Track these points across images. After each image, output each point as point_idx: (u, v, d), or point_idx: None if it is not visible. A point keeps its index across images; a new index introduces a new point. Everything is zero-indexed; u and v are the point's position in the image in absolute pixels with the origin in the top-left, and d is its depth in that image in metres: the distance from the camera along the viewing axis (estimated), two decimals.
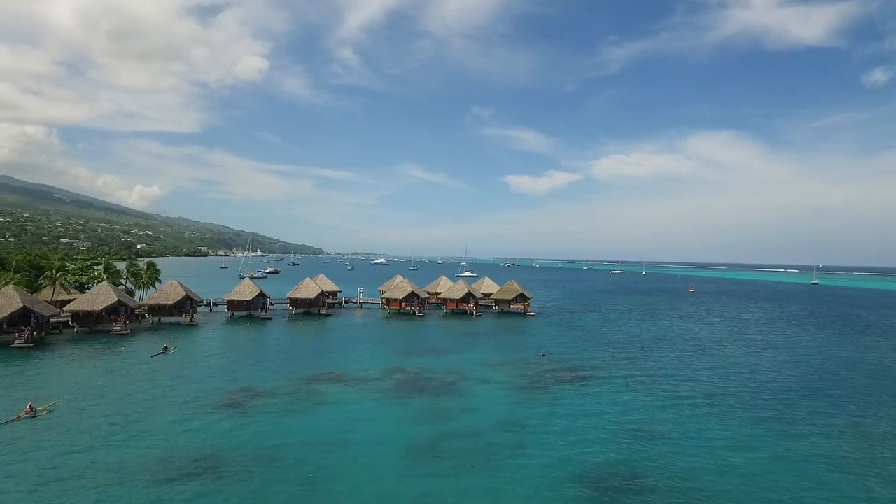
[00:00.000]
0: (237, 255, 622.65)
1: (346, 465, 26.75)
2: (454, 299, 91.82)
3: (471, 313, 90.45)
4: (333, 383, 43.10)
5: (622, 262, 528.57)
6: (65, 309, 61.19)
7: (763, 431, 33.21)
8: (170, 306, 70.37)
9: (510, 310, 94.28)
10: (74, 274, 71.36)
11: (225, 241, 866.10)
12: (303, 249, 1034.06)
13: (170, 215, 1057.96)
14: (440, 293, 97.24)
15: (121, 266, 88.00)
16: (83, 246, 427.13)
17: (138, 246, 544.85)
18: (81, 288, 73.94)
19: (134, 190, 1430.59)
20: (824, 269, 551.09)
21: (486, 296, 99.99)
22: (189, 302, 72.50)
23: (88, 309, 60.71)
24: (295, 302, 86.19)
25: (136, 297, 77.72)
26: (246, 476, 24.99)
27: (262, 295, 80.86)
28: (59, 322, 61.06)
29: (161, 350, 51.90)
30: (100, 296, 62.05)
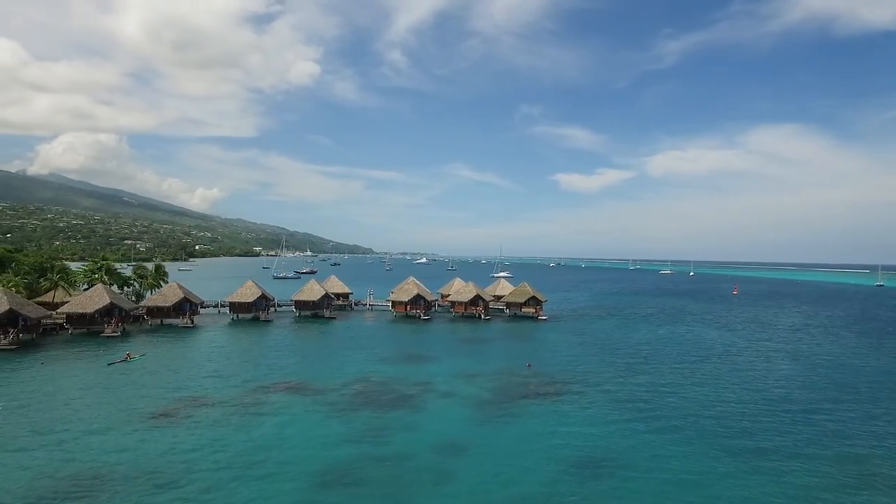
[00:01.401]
0: (286, 254, 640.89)
1: (234, 489, 24.55)
2: (462, 302, 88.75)
3: (479, 316, 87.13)
4: (286, 393, 41.22)
5: (673, 261, 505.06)
6: (59, 311, 62.61)
7: (734, 467, 28.62)
8: (168, 308, 70.94)
9: (522, 313, 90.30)
10: (77, 275, 73.03)
11: (279, 241, 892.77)
12: (353, 249, 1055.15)
13: (228, 217, 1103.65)
14: (450, 295, 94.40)
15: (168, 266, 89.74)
16: (142, 247, 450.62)
17: (196, 246, 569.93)
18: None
19: (196, 193, 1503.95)
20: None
21: (499, 298, 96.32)
22: (188, 304, 72.90)
23: (82, 311, 61.76)
24: (299, 304, 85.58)
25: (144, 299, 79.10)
26: (111, 496, 23.24)
27: (263, 297, 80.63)
28: (56, 324, 62.50)
29: (123, 357, 50.33)
30: (93, 298, 63.06)
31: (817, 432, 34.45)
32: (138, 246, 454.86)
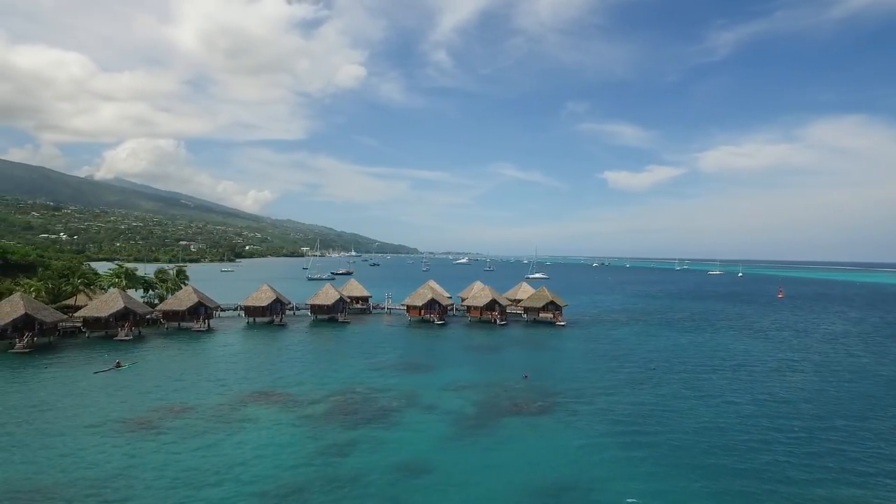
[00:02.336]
0: (332, 255, 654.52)
1: None
2: (477, 307, 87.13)
3: (495, 322, 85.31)
4: (264, 404, 40.90)
5: (722, 261, 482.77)
6: (76, 314, 65.22)
7: (706, 495, 26.22)
8: (182, 312, 72.79)
9: (540, 318, 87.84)
10: (103, 279, 75.95)
11: (326, 241, 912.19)
12: (398, 249, 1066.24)
13: (278, 217, 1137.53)
14: (467, 299, 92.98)
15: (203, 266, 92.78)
16: (194, 248, 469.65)
17: (246, 247, 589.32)
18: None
19: (248, 194, 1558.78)
20: None
21: (519, 303, 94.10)
22: (203, 308, 74.58)
23: (97, 315, 64.10)
24: (315, 308, 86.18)
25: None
26: None
27: (278, 301, 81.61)
28: (75, 327, 65.13)
29: (112, 365, 50.08)
30: (108, 302, 65.34)
31: (810, 460, 31.24)
32: (191, 247, 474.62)
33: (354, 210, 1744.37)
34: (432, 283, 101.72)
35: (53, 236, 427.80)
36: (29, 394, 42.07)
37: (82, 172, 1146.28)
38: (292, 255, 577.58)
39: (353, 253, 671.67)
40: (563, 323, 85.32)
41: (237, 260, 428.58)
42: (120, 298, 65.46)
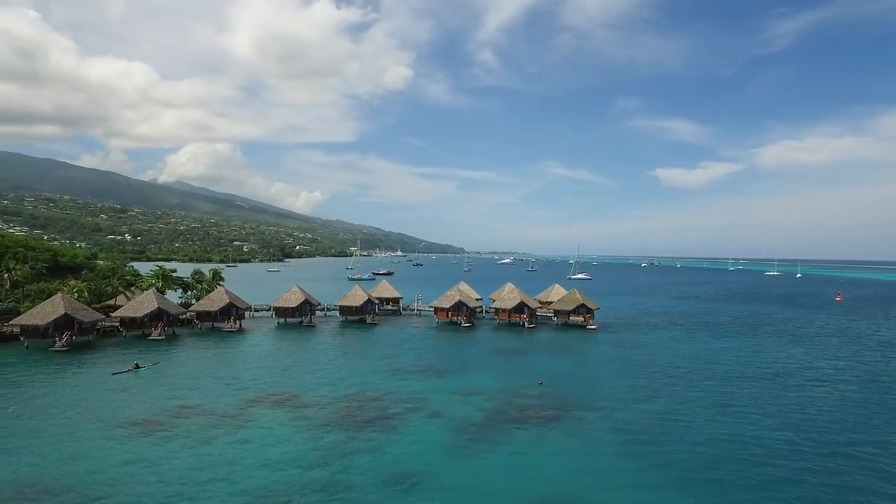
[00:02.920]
0: (378, 254, 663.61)
1: None
2: (506, 309, 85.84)
3: (523, 325, 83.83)
4: (272, 406, 41.40)
5: (781, 261, 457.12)
6: (113, 315, 68.42)
7: None
8: (214, 312, 75.16)
9: (571, 322, 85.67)
10: (145, 280, 79.39)
11: (374, 241, 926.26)
12: (445, 249, 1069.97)
13: (328, 218, 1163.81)
14: (495, 301, 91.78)
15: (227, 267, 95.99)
16: (246, 248, 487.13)
17: (296, 247, 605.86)
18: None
19: (300, 196, 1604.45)
20: None
21: (550, 305, 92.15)
22: (234, 308, 76.76)
23: (133, 315, 67.03)
24: (344, 309, 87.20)
25: None
26: None
27: (307, 302, 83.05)
28: (114, 326, 68.35)
29: (130, 367, 51.00)
30: (143, 303, 68.19)
31: (833, 482, 28.76)
32: (244, 247, 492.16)
33: (403, 210, 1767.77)
34: (462, 285, 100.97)
35: (119, 237, 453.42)
36: (51, 392, 44.05)
37: (147, 176, 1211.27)
38: (340, 255, 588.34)
39: (399, 253, 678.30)
40: (593, 326, 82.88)
41: (286, 260, 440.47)
42: (154, 299, 68.21)
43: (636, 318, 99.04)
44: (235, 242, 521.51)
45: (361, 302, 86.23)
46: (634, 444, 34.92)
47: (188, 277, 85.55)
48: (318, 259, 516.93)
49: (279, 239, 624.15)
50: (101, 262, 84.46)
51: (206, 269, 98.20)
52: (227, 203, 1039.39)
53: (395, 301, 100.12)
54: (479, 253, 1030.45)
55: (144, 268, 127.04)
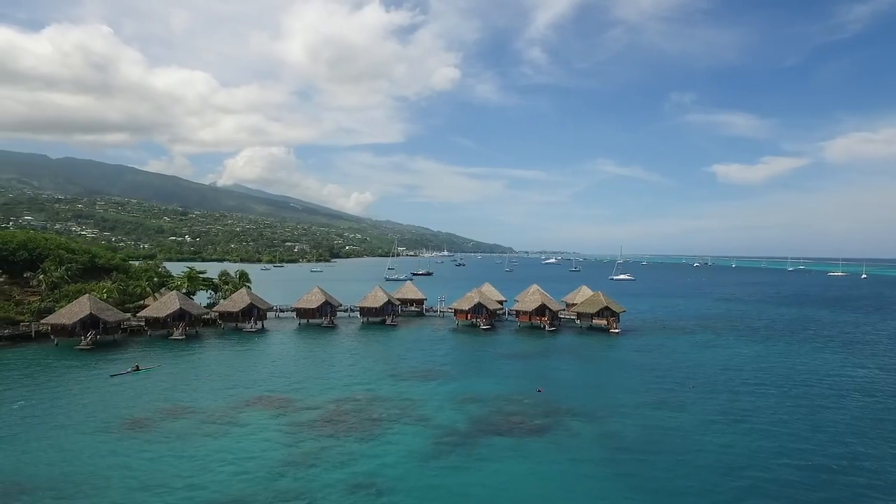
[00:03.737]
0: (425, 255, 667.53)
1: None
2: (526, 311, 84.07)
3: (543, 327, 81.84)
4: (262, 408, 41.74)
5: (846, 260, 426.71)
6: (138, 315, 71.49)
7: None
8: (235, 313, 77.31)
9: (594, 325, 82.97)
10: (175, 281, 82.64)
11: (423, 241, 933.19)
12: (493, 249, 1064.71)
13: (378, 219, 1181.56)
14: (518, 303, 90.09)
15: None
16: (296, 248, 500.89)
17: (345, 247, 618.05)
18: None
19: (351, 197, 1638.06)
20: None
21: (574, 307, 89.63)
22: (255, 309, 78.71)
23: (156, 315, 69.84)
24: (364, 311, 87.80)
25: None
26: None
27: (327, 303, 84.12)
28: (140, 326, 71.43)
29: (130, 368, 51.70)
30: (166, 303, 70.92)
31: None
32: (294, 248, 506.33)
33: (451, 210, 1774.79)
34: (487, 287, 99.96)
35: (179, 238, 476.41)
36: (53, 390, 45.76)
37: (207, 180, 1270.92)
38: (387, 255, 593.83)
39: (445, 253, 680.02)
40: (616, 330, 79.89)
41: (333, 260, 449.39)
42: (177, 300, 70.80)
43: (666, 322, 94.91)
44: (287, 243, 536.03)
45: (381, 303, 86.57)
46: (617, 456, 33.37)
47: (216, 279, 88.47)
48: (365, 259, 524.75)
49: (329, 239, 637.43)
50: (135, 264, 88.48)
51: (253, 269, 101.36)
52: (281, 204, 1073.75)
53: (419, 302, 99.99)
54: (527, 252, 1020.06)
55: (198, 268, 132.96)
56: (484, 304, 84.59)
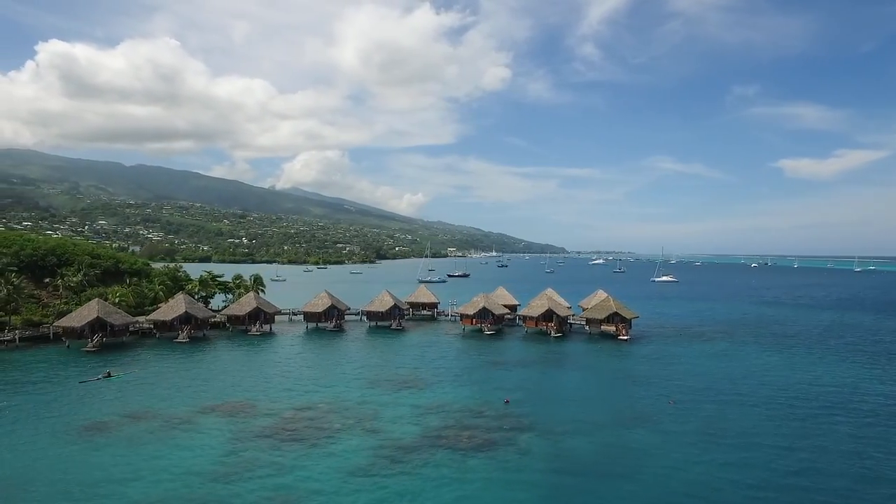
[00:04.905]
0: (473, 255, 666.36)
1: None
2: (533, 317, 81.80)
3: (549, 333, 79.40)
4: (220, 415, 41.98)
5: None
6: (147, 318, 74.58)
7: None
8: (242, 317, 79.35)
9: (603, 331, 79.73)
10: (192, 285, 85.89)
11: (473, 242, 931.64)
12: (544, 249, 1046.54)
13: (430, 219, 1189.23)
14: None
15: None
16: (346, 250, 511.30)
17: (396, 248, 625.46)
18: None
19: (403, 198, 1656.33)
20: None
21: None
22: (262, 313, 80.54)
23: (163, 318, 72.69)
24: (370, 315, 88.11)
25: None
26: None
27: (334, 307, 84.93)
28: (150, 328, 74.49)
29: (101, 375, 51.94)
30: (173, 307, 73.64)
31: None
32: (344, 249, 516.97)
33: (502, 210, 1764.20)
34: (500, 290, 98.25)
35: (237, 241, 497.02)
36: (26, 395, 46.99)
37: (266, 183, 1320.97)
38: (434, 255, 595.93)
39: (494, 253, 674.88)
40: (625, 337, 76.36)
41: (377, 261, 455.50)
42: (183, 303, 73.42)
43: (687, 328, 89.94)
44: (338, 244, 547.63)
45: (388, 307, 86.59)
46: (558, 480, 31.71)
47: (230, 282, 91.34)
48: (412, 260, 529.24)
49: (379, 241, 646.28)
50: (156, 268, 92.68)
51: (297, 270, 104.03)
52: (336, 206, 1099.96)
53: (432, 306, 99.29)
54: (578, 253, 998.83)
55: (250, 270, 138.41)
56: (489, 308, 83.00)
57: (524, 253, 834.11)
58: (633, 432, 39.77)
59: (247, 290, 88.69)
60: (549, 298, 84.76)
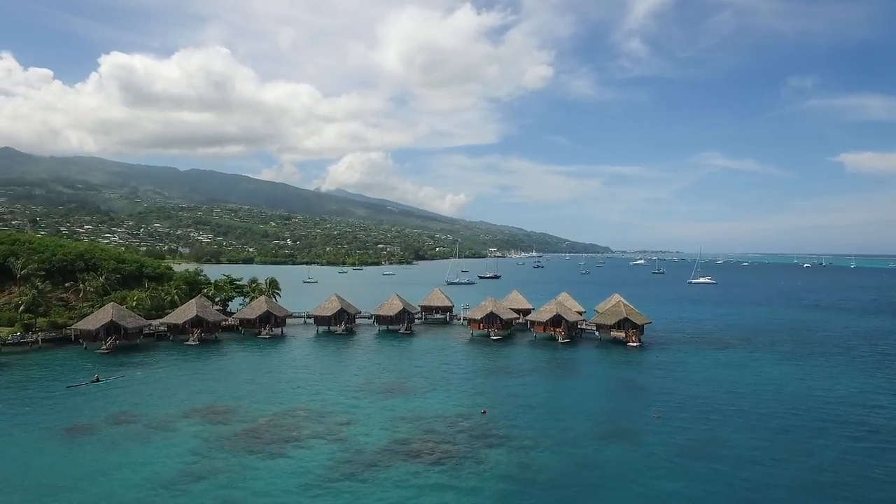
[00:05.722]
0: (513, 255, 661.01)
1: None
2: (541, 322, 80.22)
3: (556, 338, 77.65)
4: (201, 420, 42.87)
5: None
6: (160, 321, 77.41)
7: None
8: (253, 320, 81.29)
9: (613, 337, 77.30)
10: (205, 287, 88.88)
11: (515, 242, 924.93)
12: (588, 248, 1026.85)
13: (472, 220, 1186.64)
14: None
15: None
16: (388, 250, 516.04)
17: (436, 248, 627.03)
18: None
19: (446, 199, 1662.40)
20: None
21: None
22: (272, 316, 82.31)
23: (175, 322, 75.38)
24: (379, 319, 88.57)
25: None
26: None
27: (343, 311, 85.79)
28: (164, 331, 77.35)
29: (90, 380, 52.98)
30: (185, 310, 76.23)
31: None
32: (385, 250, 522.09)
33: (546, 210, 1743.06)
34: (514, 294, 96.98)
35: (282, 242, 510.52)
36: (16, 398, 48.80)
37: (312, 186, 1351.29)
38: (474, 256, 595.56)
39: (534, 253, 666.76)
40: (635, 343, 73.73)
41: (414, 262, 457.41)
42: (194, 307, 75.86)
43: (705, 334, 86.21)
44: (379, 245, 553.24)
45: (397, 311, 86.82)
46: (511, 494, 30.76)
47: (246, 286, 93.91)
48: (451, 260, 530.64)
49: (420, 241, 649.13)
50: (178, 272, 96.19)
51: (333, 271, 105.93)
52: (379, 208, 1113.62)
53: (445, 310, 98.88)
54: (623, 252, 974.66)
55: (287, 271, 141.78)
56: (497, 313, 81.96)
57: (566, 253, 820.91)
58: (608, 447, 38.38)
59: (261, 293, 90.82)
60: (560, 303, 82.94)
